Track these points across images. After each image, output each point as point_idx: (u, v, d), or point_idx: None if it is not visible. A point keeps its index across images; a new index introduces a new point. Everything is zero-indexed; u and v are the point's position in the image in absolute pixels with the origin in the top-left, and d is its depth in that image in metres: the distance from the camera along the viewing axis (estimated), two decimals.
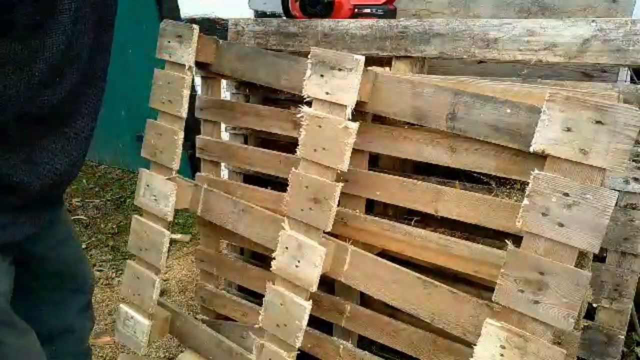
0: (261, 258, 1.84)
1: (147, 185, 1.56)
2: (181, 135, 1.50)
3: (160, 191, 1.52)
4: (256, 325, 1.34)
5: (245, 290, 1.85)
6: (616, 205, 1.32)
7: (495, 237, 1.39)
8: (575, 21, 1.22)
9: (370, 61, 1.50)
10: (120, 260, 2.63)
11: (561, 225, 0.92)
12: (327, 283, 1.65)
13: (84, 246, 2.77)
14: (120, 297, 2.33)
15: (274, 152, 1.67)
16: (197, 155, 1.88)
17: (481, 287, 1.45)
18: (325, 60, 1.18)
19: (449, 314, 1.12)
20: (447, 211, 1.34)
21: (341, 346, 1.57)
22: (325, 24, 1.57)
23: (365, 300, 1.62)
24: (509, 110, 1.01)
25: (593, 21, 1.20)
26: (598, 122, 0.87)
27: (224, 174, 1.93)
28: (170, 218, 1.52)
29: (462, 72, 1.50)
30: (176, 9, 2.74)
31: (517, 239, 1.32)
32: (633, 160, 1.29)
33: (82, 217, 3.09)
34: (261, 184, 1.78)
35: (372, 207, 1.58)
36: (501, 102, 1.01)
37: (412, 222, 1.48)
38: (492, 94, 1.25)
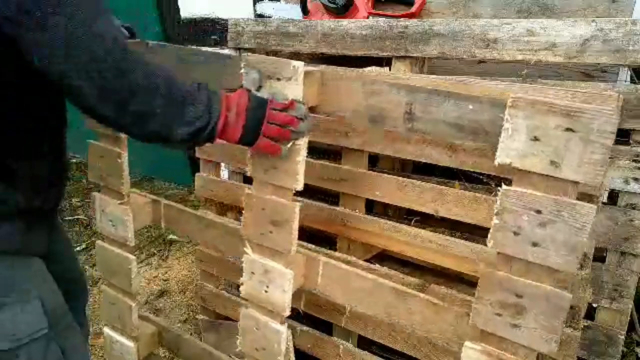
0: None
1: (102, 211, 1.42)
2: (125, 156, 1.32)
3: (115, 216, 1.39)
4: (237, 349, 1.27)
5: None
6: (616, 205, 1.32)
7: None
8: (575, 21, 1.22)
9: (370, 61, 1.51)
10: None
11: (535, 245, 0.81)
12: None
13: (83, 246, 2.78)
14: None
15: None
16: (197, 155, 1.88)
17: None
18: (260, 69, 1.02)
19: (430, 324, 1.05)
20: (447, 211, 1.34)
21: (341, 346, 1.57)
22: (325, 24, 1.58)
23: None
24: (471, 107, 0.88)
25: (593, 21, 1.19)
26: (568, 129, 0.74)
27: (224, 174, 1.93)
28: (132, 243, 1.40)
29: (462, 72, 1.50)
30: (176, 9, 2.74)
31: None
32: (633, 160, 1.29)
33: (82, 217, 3.08)
34: None
35: (372, 207, 1.58)
36: (463, 98, 0.90)
37: (412, 222, 1.48)
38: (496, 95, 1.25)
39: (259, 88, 0.98)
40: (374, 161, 1.60)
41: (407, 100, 0.95)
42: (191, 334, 2.12)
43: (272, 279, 1.13)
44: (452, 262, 1.36)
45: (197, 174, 1.90)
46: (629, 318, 1.41)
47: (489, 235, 0.86)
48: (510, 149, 0.81)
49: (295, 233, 1.08)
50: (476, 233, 1.41)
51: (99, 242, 1.49)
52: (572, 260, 0.80)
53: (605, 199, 1.33)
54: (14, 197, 0.95)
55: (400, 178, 1.42)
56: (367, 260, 1.54)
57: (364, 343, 1.59)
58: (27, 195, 0.97)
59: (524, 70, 1.33)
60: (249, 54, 1.05)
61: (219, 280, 1.90)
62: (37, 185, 1.00)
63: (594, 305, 1.42)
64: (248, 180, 1.87)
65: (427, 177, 1.48)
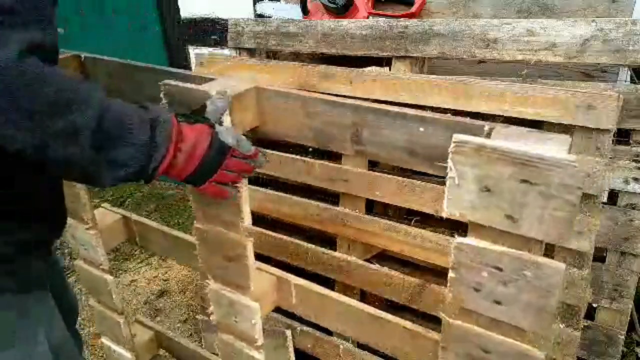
0: (261, 258, 1.84)
1: (72, 236, 1.35)
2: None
3: (85, 241, 1.33)
4: None
5: None
6: (616, 205, 1.32)
7: None
8: (575, 21, 1.22)
9: (370, 61, 1.51)
10: (120, 261, 2.63)
11: (499, 303, 0.71)
12: (327, 281, 1.65)
13: None
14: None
15: (274, 152, 1.67)
16: None
17: None
18: (178, 98, 0.88)
19: (407, 349, 0.98)
20: None
21: (341, 346, 1.57)
22: (325, 24, 1.58)
23: (366, 300, 1.62)
24: (422, 129, 0.78)
25: (593, 21, 1.19)
26: (525, 181, 0.62)
27: None
28: (106, 265, 1.35)
29: (462, 72, 1.50)
30: (176, 9, 2.74)
31: None
32: (633, 160, 1.29)
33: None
34: (261, 184, 1.78)
35: (372, 207, 1.58)
36: (412, 119, 0.78)
37: (412, 222, 1.48)
38: (497, 95, 1.25)
39: (220, 119, 0.83)
40: (374, 161, 1.60)
41: (353, 121, 0.85)
42: (191, 334, 2.12)
43: (239, 310, 1.05)
44: None
45: None
46: (629, 318, 1.41)
47: (447, 286, 0.76)
48: (459, 200, 0.69)
49: (252, 268, 1.00)
50: None
51: (77, 261, 1.42)
52: (542, 322, 0.69)
53: (605, 199, 1.33)
54: (16, 232, 0.85)
55: (400, 178, 1.42)
56: (367, 260, 1.54)
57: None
58: (30, 230, 0.87)
59: (524, 70, 1.33)
60: (167, 81, 0.89)
61: None
62: (40, 219, 0.91)
63: (594, 305, 1.42)
64: (248, 180, 1.87)
65: (427, 177, 1.48)
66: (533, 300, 0.68)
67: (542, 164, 0.60)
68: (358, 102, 0.84)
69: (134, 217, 1.42)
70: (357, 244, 1.55)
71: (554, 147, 0.62)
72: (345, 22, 1.54)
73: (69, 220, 1.28)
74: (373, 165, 1.58)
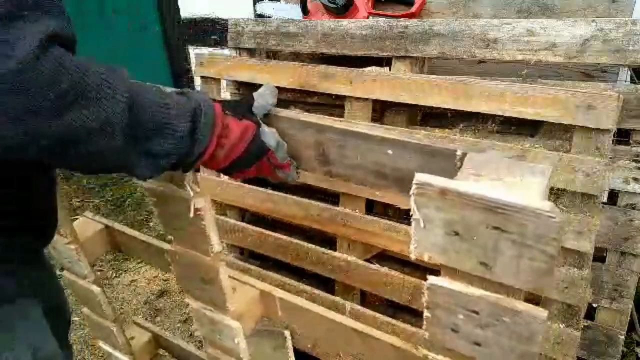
0: (261, 258, 1.84)
1: (54, 248, 1.30)
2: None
3: (68, 255, 1.28)
4: None
5: None
6: (616, 205, 1.32)
7: None
8: (575, 21, 1.22)
9: (370, 61, 1.51)
10: (120, 261, 2.63)
11: (478, 344, 0.66)
12: (327, 281, 1.66)
13: None
14: (119, 297, 2.33)
15: None
16: None
17: None
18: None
19: None
20: None
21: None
22: (325, 24, 1.58)
23: (366, 300, 1.62)
24: (390, 152, 0.73)
25: (593, 21, 1.19)
26: (497, 228, 0.56)
27: None
28: (91, 277, 1.31)
29: (462, 72, 1.50)
30: (176, 9, 2.74)
31: None
32: (633, 160, 1.29)
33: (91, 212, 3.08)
34: (261, 185, 1.78)
35: (372, 207, 1.58)
36: (378, 141, 0.73)
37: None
38: (497, 95, 1.25)
39: (266, 115, 0.81)
40: None
41: (317, 140, 0.79)
42: (191, 334, 2.12)
43: (221, 330, 1.03)
44: None
45: (197, 174, 1.89)
46: (629, 318, 1.41)
47: (424, 325, 0.71)
48: (427, 243, 0.63)
49: (228, 290, 0.97)
50: None
51: (64, 272, 1.37)
52: None
53: (605, 199, 1.33)
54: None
55: None
56: (367, 260, 1.54)
57: None
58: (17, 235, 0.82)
59: (524, 70, 1.33)
60: None
61: None
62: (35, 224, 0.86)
63: (594, 305, 1.42)
64: (248, 180, 1.87)
65: None
66: (514, 345, 0.63)
67: (513, 212, 0.54)
68: (323, 122, 0.79)
69: (117, 226, 1.38)
70: (357, 244, 1.55)
71: (532, 185, 0.57)
72: (345, 22, 1.54)
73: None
74: None
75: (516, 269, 0.57)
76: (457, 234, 0.60)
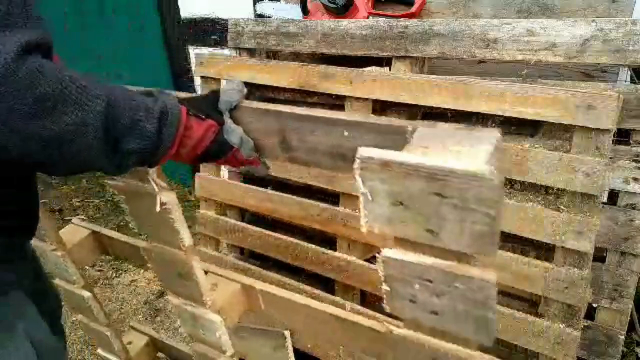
0: (261, 258, 1.84)
1: (41, 256, 1.28)
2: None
3: (55, 262, 1.28)
4: None
5: None
6: (616, 205, 1.32)
7: None
8: (575, 21, 1.22)
9: (370, 61, 1.51)
10: (120, 261, 2.63)
11: (436, 313, 0.67)
12: (327, 281, 1.66)
13: None
14: (119, 297, 2.34)
15: None
16: None
17: None
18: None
19: (377, 349, 0.94)
20: None
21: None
22: (325, 24, 1.57)
23: (366, 300, 1.62)
24: (346, 133, 0.74)
25: (593, 21, 1.19)
26: (439, 194, 0.57)
27: (224, 173, 1.93)
28: (81, 282, 1.30)
29: (462, 72, 1.50)
30: (176, 9, 2.74)
31: (517, 239, 1.32)
32: (633, 160, 1.29)
33: (82, 217, 3.09)
34: (261, 184, 1.78)
35: None
36: (334, 123, 0.74)
37: None
38: (497, 95, 1.25)
39: (233, 107, 0.83)
40: None
41: (278, 128, 0.81)
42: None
43: (202, 324, 1.04)
44: None
45: (197, 174, 1.90)
46: (629, 318, 1.41)
47: (384, 299, 0.72)
48: (376, 215, 0.64)
49: (204, 285, 0.98)
50: None
51: (56, 280, 1.36)
52: (483, 331, 0.65)
53: (605, 199, 1.33)
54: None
55: None
56: (367, 260, 1.54)
57: None
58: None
59: (524, 70, 1.33)
60: None
61: None
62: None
63: (594, 305, 1.42)
64: (248, 180, 1.88)
65: None
66: (469, 311, 0.64)
67: (454, 178, 0.55)
68: (281, 108, 0.80)
69: (104, 231, 1.37)
70: (357, 244, 1.55)
71: (478, 152, 0.57)
72: (345, 22, 1.54)
73: (37, 242, 1.24)
74: None
75: (460, 233, 0.58)
76: (402, 204, 0.61)
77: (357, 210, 1.51)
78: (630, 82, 1.36)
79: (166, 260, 0.98)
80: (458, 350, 0.70)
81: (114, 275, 2.53)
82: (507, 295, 1.42)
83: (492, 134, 0.61)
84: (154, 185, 0.84)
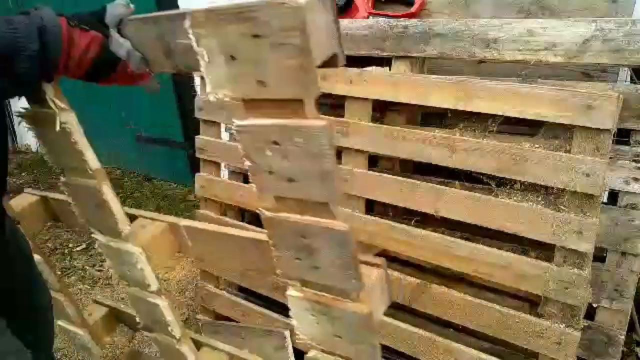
0: None
1: None
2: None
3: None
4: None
5: (246, 290, 1.85)
6: (616, 205, 1.32)
7: (495, 237, 1.39)
8: (575, 21, 1.22)
9: (370, 61, 1.51)
10: None
11: (292, 180, 0.68)
12: None
13: (83, 246, 2.78)
14: (119, 297, 2.33)
15: None
16: (197, 155, 1.88)
17: (480, 287, 1.45)
18: None
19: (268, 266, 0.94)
20: (447, 211, 1.34)
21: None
22: None
23: None
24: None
25: (593, 21, 1.19)
26: (256, 36, 0.56)
27: (224, 173, 1.93)
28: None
29: (462, 72, 1.50)
30: (176, 8, 2.74)
31: (517, 239, 1.32)
32: (633, 160, 1.29)
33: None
34: None
35: (372, 207, 1.58)
36: (182, 17, 0.67)
37: (412, 222, 1.48)
38: (497, 95, 1.25)
39: (119, 24, 0.81)
40: (374, 161, 1.60)
41: (157, 33, 0.77)
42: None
43: (124, 259, 1.06)
44: (452, 262, 1.36)
45: (197, 174, 1.90)
46: (629, 318, 1.41)
47: (249, 178, 0.73)
48: (217, 78, 0.64)
49: (117, 211, 0.98)
50: (476, 233, 1.42)
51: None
52: (327, 187, 0.65)
53: (605, 199, 1.33)
54: None
55: (400, 178, 1.42)
56: None
57: None
58: None
59: (524, 70, 1.33)
60: None
61: (218, 281, 1.90)
62: None
63: (594, 305, 1.42)
64: (248, 180, 1.87)
65: (427, 177, 1.48)
66: (314, 168, 0.64)
67: (259, 12, 0.55)
68: (158, 14, 0.75)
69: (52, 195, 1.38)
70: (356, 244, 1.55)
71: None
72: (345, 22, 1.54)
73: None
74: (373, 165, 1.58)
75: (282, 76, 0.58)
76: (233, 58, 0.60)
77: (357, 210, 1.51)
78: (630, 82, 1.36)
79: (80, 191, 0.99)
80: (319, 222, 0.71)
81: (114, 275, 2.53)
82: (507, 295, 1.42)
83: None
84: (53, 105, 0.85)
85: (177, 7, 2.73)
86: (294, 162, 0.65)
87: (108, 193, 0.96)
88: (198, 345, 1.32)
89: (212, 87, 0.66)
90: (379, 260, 0.81)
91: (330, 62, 0.64)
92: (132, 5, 0.82)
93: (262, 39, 0.57)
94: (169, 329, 1.14)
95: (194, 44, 0.63)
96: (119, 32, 0.80)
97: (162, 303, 1.11)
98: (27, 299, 1.18)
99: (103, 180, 0.96)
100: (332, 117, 1.52)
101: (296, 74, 0.57)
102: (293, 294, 0.82)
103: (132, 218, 1.10)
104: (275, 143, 0.65)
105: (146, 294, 1.11)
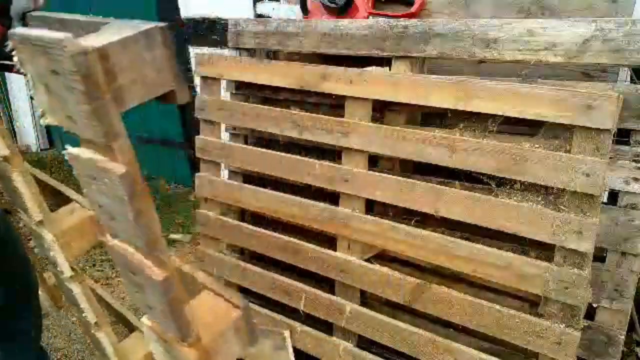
0: (261, 258, 1.84)
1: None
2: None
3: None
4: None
5: (245, 290, 1.85)
6: (616, 205, 1.32)
7: (495, 237, 1.39)
8: (575, 21, 1.22)
9: (370, 61, 1.51)
10: None
11: (113, 218, 0.64)
12: (327, 281, 1.66)
13: None
14: (119, 295, 2.33)
15: (274, 152, 1.67)
16: (197, 155, 1.88)
17: (480, 287, 1.45)
18: None
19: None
20: (447, 211, 1.34)
21: (341, 346, 1.57)
22: (325, 24, 1.57)
23: (366, 300, 1.62)
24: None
25: (593, 21, 1.19)
26: (55, 72, 0.52)
27: (224, 173, 1.93)
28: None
29: (462, 72, 1.50)
30: (176, 9, 2.74)
31: (517, 239, 1.32)
32: (633, 160, 1.29)
33: None
34: (261, 184, 1.78)
35: (372, 207, 1.58)
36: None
37: (412, 222, 1.48)
38: (497, 95, 1.25)
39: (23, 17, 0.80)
40: (374, 161, 1.60)
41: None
42: None
43: (42, 243, 1.07)
44: (452, 262, 1.36)
45: (197, 174, 1.90)
46: (629, 318, 1.41)
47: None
48: (41, 103, 0.59)
49: (29, 200, 0.97)
50: (476, 233, 1.42)
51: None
52: (141, 235, 0.62)
53: (605, 199, 1.33)
54: None
55: (400, 178, 1.42)
56: (367, 260, 1.54)
57: (364, 343, 1.59)
58: None
59: (524, 70, 1.33)
60: None
61: (218, 280, 1.90)
62: None
63: (594, 305, 1.42)
64: (248, 180, 1.88)
65: (427, 177, 1.48)
66: (124, 210, 0.59)
67: (53, 50, 0.49)
68: (63, 17, 0.72)
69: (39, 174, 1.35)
70: (357, 244, 1.55)
71: (113, 31, 0.53)
72: (345, 22, 1.54)
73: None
74: (373, 165, 1.58)
75: (82, 116, 0.53)
76: (49, 89, 0.56)
77: (357, 210, 1.51)
78: (630, 82, 1.36)
79: (3, 176, 0.99)
80: (142, 262, 0.65)
81: (114, 275, 2.53)
82: (507, 295, 1.42)
83: (151, 25, 0.56)
84: None
85: (177, 7, 2.74)
86: (110, 201, 0.61)
87: (18, 180, 0.95)
88: (132, 329, 1.31)
89: (40, 111, 0.61)
90: (240, 302, 0.74)
91: (167, 99, 0.59)
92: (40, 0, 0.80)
93: (60, 76, 0.52)
94: (84, 314, 1.14)
95: (19, 66, 0.58)
96: (25, 25, 0.78)
97: (76, 290, 1.11)
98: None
99: (15, 167, 0.94)
100: (332, 117, 1.52)
101: (90, 118, 0.52)
102: (145, 321, 0.77)
103: (69, 201, 1.11)
104: (93, 178, 0.61)
105: (67, 281, 1.12)
